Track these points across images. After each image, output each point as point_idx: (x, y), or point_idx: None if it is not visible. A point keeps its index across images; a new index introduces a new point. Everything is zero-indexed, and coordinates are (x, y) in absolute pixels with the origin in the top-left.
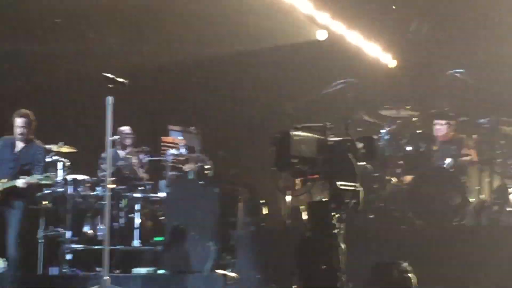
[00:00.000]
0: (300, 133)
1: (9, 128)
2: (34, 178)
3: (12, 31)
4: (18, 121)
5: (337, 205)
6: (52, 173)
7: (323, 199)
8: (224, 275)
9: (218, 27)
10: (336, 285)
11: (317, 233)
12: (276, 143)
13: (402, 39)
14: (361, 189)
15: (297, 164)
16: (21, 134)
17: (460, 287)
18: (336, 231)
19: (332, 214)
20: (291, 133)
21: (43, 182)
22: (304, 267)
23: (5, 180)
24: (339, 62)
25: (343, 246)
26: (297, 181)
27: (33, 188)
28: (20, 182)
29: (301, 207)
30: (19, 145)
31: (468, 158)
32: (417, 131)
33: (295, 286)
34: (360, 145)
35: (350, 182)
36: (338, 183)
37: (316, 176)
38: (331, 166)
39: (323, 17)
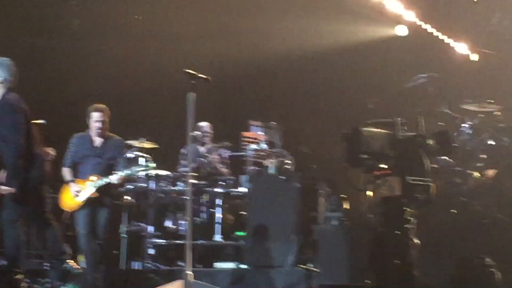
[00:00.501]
0: (370, 129)
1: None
2: (128, 172)
3: (99, 30)
4: (95, 116)
5: (408, 200)
6: (143, 165)
7: (395, 195)
8: (306, 269)
9: (301, 23)
10: (408, 280)
11: (390, 228)
12: (347, 139)
13: (484, 32)
14: (432, 184)
15: (368, 159)
16: (99, 128)
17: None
18: (408, 226)
19: (404, 209)
20: (361, 129)
21: (137, 175)
22: (377, 261)
23: (95, 178)
24: (421, 56)
25: (416, 241)
26: (368, 176)
27: (118, 184)
28: (114, 179)
29: (342, 196)
30: (97, 140)
31: None
32: (500, 125)
33: (368, 281)
34: (430, 140)
35: (421, 177)
36: (409, 178)
37: (388, 171)
38: (402, 161)
39: (408, 13)
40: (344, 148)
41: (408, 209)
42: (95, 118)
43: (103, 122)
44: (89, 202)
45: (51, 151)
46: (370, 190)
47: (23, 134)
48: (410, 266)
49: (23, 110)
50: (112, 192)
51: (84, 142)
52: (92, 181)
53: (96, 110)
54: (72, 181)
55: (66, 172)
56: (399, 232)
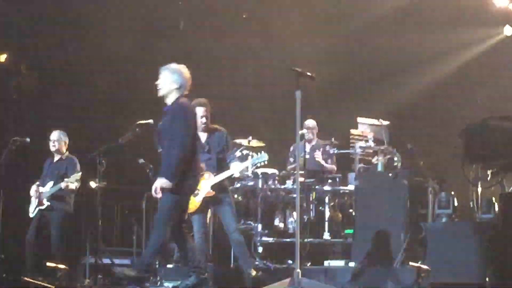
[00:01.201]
0: (490, 124)
1: None
2: (248, 163)
3: (198, 28)
4: (198, 111)
5: None
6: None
7: None
8: (417, 267)
9: (409, 20)
10: None
11: (509, 225)
12: (465, 135)
13: None
14: None
15: (489, 156)
16: (204, 123)
17: None
18: None
19: None
20: (481, 124)
21: (257, 162)
22: (496, 259)
23: (208, 175)
24: None
25: None
26: (488, 172)
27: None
28: (236, 171)
29: (493, 198)
30: (203, 136)
31: None
32: None
33: (488, 279)
34: None
35: None
36: None
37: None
38: None
39: None
40: (461, 145)
41: None
42: (199, 114)
43: (205, 117)
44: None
45: None
46: (488, 187)
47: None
48: None
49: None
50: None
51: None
52: (207, 179)
53: (199, 105)
54: None
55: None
56: None
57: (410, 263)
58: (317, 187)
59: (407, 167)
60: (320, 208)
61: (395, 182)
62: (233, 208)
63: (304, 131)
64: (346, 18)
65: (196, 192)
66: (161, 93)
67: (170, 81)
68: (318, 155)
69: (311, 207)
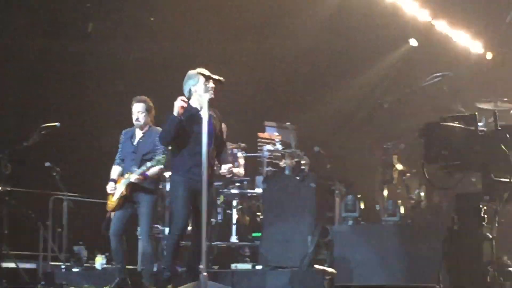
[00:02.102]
0: (449, 123)
1: None
2: (145, 168)
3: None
4: (133, 107)
5: (491, 197)
6: (163, 155)
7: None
8: (322, 270)
9: (315, 22)
10: (485, 281)
11: (466, 226)
12: (425, 134)
13: (499, 31)
14: None
15: (448, 156)
16: (138, 120)
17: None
18: (485, 223)
19: (481, 206)
20: (441, 124)
21: (156, 166)
22: (451, 261)
23: (128, 175)
24: (436, 56)
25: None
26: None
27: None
28: (133, 178)
29: (399, 201)
30: (138, 134)
31: None
32: None
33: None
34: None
35: (505, 174)
36: (493, 175)
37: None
38: (484, 157)
39: (423, 12)
40: (423, 144)
41: (484, 207)
42: (136, 110)
43: (142, 113)
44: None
45: None
46: (446, 188)
47: None
48: (487, 266)
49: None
50: (150, 189)
51: (127, 139)
52: (124, 178)
53: (138, 101)
54: (113, 180)
55: (112, 170)
56: (474, 230)
57: (316, 266)
58: (224, 190)
59: (315, 170)
60: (228, 211)
61: (302, 185)
62: (148, 213)
63: None
64: (255, 22)
65: (113, 189)
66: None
67: None
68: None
69: (219, 210)
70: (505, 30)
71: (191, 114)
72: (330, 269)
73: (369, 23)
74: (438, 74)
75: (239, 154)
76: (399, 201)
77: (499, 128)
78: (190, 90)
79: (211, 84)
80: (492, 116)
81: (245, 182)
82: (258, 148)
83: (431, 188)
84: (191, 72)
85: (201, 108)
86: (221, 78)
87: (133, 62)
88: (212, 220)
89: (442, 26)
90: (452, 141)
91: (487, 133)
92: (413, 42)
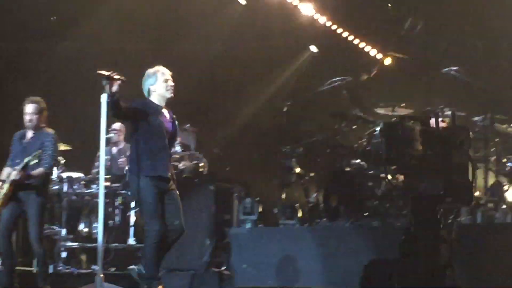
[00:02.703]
0: (409, 123)
1: None
2: (23, 163)
3: (12, 29)
4: (29, 108)
5: (453, 199)
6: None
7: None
8: (219, 272)
9: (215, 26)
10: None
11: (422, 228)
12: (385, 135)
13: (397, 37)
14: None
15: (409, 156)
16: (29, 121)
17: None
18: (442, 225)
19: (437, 208)
20: (401, 123)
21: (32, 162)
22: (407, 262)
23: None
24: (335, 61)
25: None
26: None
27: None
28: (14, 175)
29: (297, 204)
30: (29, 135)
31: None
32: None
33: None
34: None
35: (464, 175)
36: (454, 176)
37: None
38: (444, 158)
39: (322, 18)
40: (383, 144)
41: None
42: (26, 111)
43: (34, 114)
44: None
45: None
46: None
47: None
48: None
49: None
50: (37, 188)
51: (17, 139)
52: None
53: (30, 102)
54: (1, 181)
55: (2, 171)
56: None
57: (213, 268)
58: (122, 191)
59: (214, 173)
60: (126, 213)
61: (201, 187)
62: (35, 214)
63: (111, 134)
64: (161, 21)
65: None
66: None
67: None
68: (122, 161)
69: (116, 212)
70: (403, 36)
71: (154, 110)
72: (226, 272)
73: (271, 29)
74: (337, 79)
75: None
76: (297, 204)
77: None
78: (149, 90)
79: (170, 83)
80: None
81: None
82: None
83: (328, 191)
84: (149, 71)
85: (161, 107)
86: (123, 78)
87: (32, 62)
88: (109, 221)
89: (342, 32)
90: (413, 142)
91: (445, 134)
92: (313, 49)
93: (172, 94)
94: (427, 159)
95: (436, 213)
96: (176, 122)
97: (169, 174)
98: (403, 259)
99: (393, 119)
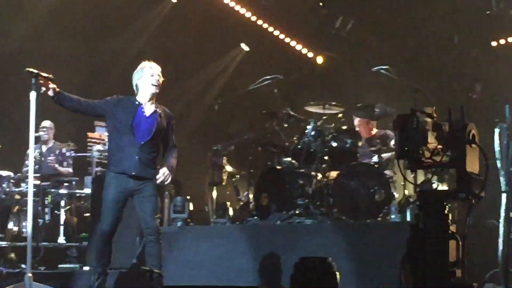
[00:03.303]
0: (422, 116)
1: None
2: None
3: None
4: None
5: (467, 194)
6: None
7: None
8: (149, 271)
9: (145, 23)
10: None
11: (431, 224)
12: (399, 127)
13: (328, 35)
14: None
15: (422, 151)
16: None
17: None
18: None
19: (445, 204)
20: (415, 116)
21: None
22: (416, 260)
23: None
24: (266, 59)
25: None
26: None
27: None
28: None
29: (228, 203)
30: None
31: (390, 154)
32: (343, 127)
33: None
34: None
35: (475, 170)
36: (468, 171)
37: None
38: (458, 153)
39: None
40: (396, 137)
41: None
42: None
43: None
44: None
45: None
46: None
47: None
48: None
49: None
50: None
51: None
52: None
53: None
54: None
55: None
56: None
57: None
58: (52, 190)
59: None
60: (56, 211)
61: None
62: None
63: (41, 132)
64: (88, 20)
65: None
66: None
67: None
68: (52, 160)
69: (46, 211)
70: (335, 34)
71: (127, 107)
72: (156, 270)
73: (204, 25)
74: (267, 77)
75: (68, 154)
76: (228, 203)
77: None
78: (136, 85)
79: (156, 77)
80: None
81: (73, 182)
82: (88, 148)
83: (259, 190)
84: (138, 67)
85: (145, 102)
86: (50, 76)
87: None
88: (39, 220)
89: (273, 30)
90: (427, 136)
91: (456, 129)
92: (244, 47)
93: (157, 90)
94: (439, 153)
95: (444, 208)
96: (160, 119)
97: (139, 172)
98: (410, 256)
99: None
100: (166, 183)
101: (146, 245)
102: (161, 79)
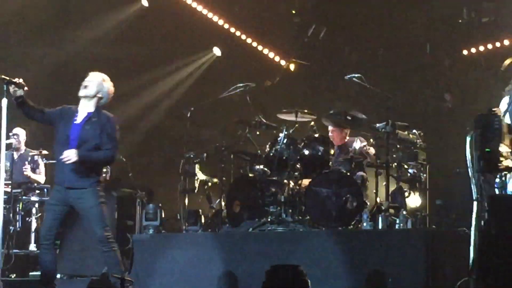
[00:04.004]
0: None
1: None
2: None
3: None
4: None
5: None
6: None
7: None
8: (121, 278)
9: (116, 26)
10: None
11: (503, 230)
12: (481, 125)
13: (301, 43)
14: None
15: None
16: None
17: None
18: None
19: None
20: (500, 116)
21: None
22: (487, 267)
23: None
24: (238, 66)
25: None
26: None
27: None
28: None
29: (200, 210)
30: None
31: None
32: (315, 135)
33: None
34: None
35: None
36: None
37: None
38: None
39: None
40: (477, 137)
41: None
42: None
43: None
44: None
45: None
46: None
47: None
48: None
49: None
50: None
51: None
52: None
53: None
54: None
55: None
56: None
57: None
58: (24, 197)
59: (116, 178)
60: (27, 218)
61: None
62: None
63: (12, 139)
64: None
65: None
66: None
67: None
68: (27, 168)
69: (18, 218)
70: (308, 43)
71: (66, 116)
72: (129, 278)
73: (175, 30)
74: (240, 84)
75: (40, 161)
76: (200, 210)
77: None
78: None
79: (84, 82)
80: None
81: (45, 190)
82: None
83: (231, 197)
84: None
85: (80, 109)
86: (22, 82)
87: None
88: (10, 227)
89: (246, 38)
90: (503, 137)
91: None
92: (216, 51)
93: (83, 93)
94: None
95: None
96: (89, 126)
97: (73, 183)
98: (481, 262)
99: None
100: (67, 162)
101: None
102: (90, 83)
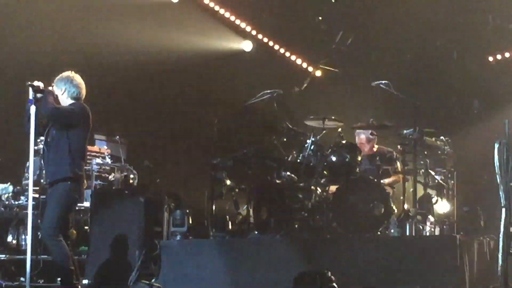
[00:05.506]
0: None
1: None
2: None
3: None
4: None
5: None
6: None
7: None
8: (149, 285)
9: (143, 36)
10: None
11: None
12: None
13: (328, 50)
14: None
15: None
16: None
17: None
18: None
19: None
20: None
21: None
22: None
23: None
24: (266, 73)
25: None
26: None
27: None
28: None
29: (227, 216)
30: None
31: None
32: (342, 142)
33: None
34: None
35: None
36: None
37: None
38: None
39: (254, 30)
40: None
41: None
42: None
43: None
44: None
45: None
46: None
47: None
48: None
49: None
50: None
51: None
52: None
53: None
54: None
55: None
56: None
57: (143, 280)
58: None
59: (144, 184)
60: None
61: (131, 199)
62: None
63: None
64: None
65: None
66: None
67: None
68: None
69: None
70: (334, 49)
71: None
72: (156, 284)
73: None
74: (267, 91)
75: None
76: (227, 217)
77: None
78: None
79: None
80: None
81: None
82: (87, 161)
83: (259, 204)
84: None
85: None
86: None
87: None
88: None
89: (273, 44)
90: None
91: None
92: (246, 46)
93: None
94: None
95: None
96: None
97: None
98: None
99: None
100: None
101: None
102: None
